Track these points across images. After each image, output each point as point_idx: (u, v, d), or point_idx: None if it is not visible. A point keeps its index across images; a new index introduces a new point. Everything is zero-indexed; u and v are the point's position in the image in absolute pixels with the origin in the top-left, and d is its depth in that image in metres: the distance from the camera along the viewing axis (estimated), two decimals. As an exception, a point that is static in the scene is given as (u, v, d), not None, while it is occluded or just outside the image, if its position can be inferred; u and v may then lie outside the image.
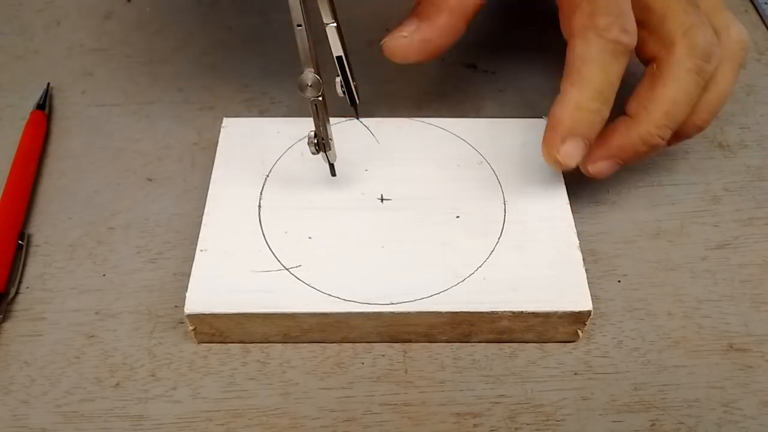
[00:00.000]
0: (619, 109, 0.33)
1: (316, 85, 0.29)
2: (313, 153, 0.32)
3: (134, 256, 0.34)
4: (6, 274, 0.33)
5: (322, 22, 0.29)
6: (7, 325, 0.32)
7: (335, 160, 0.33)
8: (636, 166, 0.38)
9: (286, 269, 0.31)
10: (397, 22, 0.33)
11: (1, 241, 0.34)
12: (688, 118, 0.33)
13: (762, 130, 0.40)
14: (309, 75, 0.29)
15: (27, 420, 0.29)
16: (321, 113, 0.30)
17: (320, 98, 0.30)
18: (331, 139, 0.32)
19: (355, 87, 0.32)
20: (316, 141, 0.31)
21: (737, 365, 0.31)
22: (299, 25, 0.28)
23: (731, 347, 0.32)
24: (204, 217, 0.33)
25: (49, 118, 0.40)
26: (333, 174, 0.34)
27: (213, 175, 0.35)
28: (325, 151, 0.32)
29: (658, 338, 0.32)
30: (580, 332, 0.31)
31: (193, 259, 0.31)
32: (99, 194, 0.37)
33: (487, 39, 0.45)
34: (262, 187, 0.34)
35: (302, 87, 0.29)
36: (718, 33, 0.32)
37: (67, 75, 0.43)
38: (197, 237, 0.32)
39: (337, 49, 0.30)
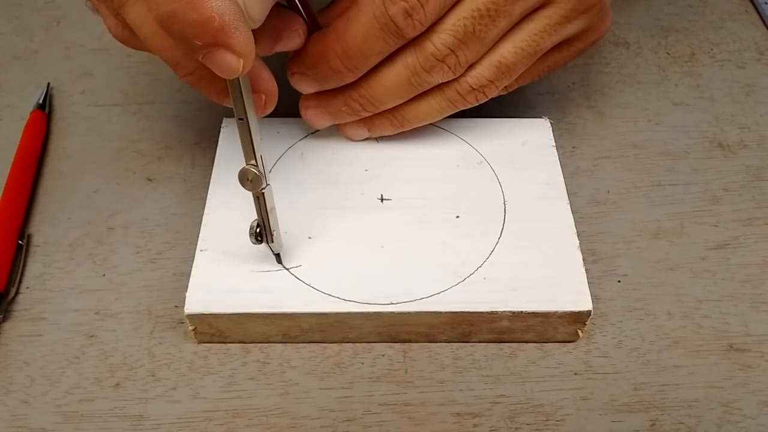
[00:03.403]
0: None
1: (256, 181, 0.28)
2: (253, 243, 0.30)
3: (134, 256, 0.34)
4: (6, 274, 0.33)
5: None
6: (7, 325, 0.32)
7: (280, 250, 0.31)
8: (636, 166, 0.38)
9: (286, 269, 0.31)
10: None
11: (1, 241, 0.34)
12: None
13: (762, 130, 0.40)
14: (250, 170, 0.28)
15: (27, 420, 0.29)
16: (263, 205, 0.29)
17: (263, 192, 0.28)
18: (274, 230, 0.30)
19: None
20: (258, 231, 0.30)
21: (737, 365, 0.31)
22: (240, 119, 0.26)
23: (731, 347, 0.32)
24: (204, 217, 0.33)
25: (49, 118, 0.40)
26: (279, 262, 0.31)
27: (213, 175, 0.35)
28: (267, 243, 0.30)
29: (658, 338, 0.32)
30: (580, 332, 0.31)
31: (193, 259, 0.31)
32: (99, 194, 0.37)
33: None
34: (262, 187, 0.34)
35: (242, 181, 0.28)
36: None
37: (66, 75, 0.43)
38: (197, 237, 0.32)
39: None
